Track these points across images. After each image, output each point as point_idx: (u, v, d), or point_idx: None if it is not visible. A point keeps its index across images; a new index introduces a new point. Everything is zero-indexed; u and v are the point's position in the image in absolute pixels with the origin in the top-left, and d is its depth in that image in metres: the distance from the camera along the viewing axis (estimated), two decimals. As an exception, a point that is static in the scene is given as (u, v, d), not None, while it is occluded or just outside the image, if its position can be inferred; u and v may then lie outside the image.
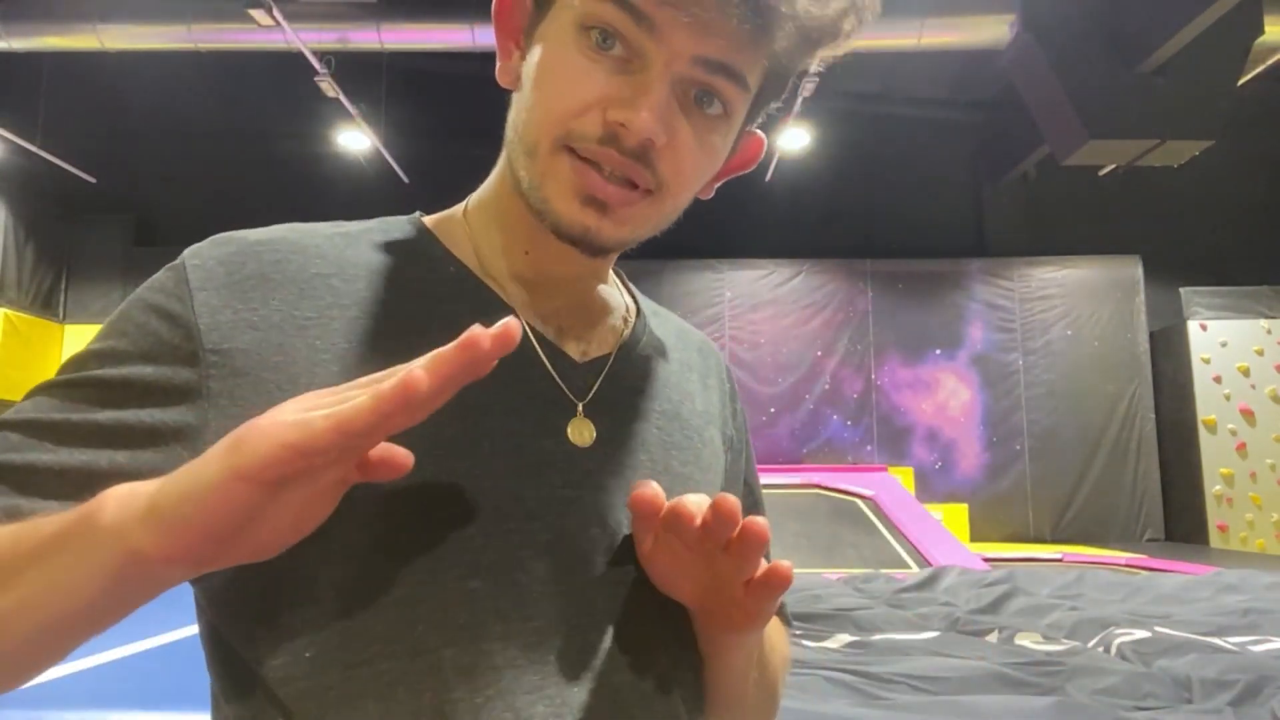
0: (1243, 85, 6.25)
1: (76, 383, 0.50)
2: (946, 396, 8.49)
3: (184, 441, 0.48)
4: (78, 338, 8.36)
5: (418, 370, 0.36)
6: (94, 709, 2.57)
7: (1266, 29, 5.97)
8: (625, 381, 0.60)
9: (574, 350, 0.59)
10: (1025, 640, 2.65)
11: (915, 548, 4.97)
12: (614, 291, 0.66)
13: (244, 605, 0.49)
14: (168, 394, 0.49)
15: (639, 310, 0.67)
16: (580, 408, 0.56)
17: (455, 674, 0.48)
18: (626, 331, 0.64)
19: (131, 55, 6.80)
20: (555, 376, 0.57)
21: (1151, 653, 2.38)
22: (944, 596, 3.48)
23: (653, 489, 0.51)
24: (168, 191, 8.82)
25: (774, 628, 0.69)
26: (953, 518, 7.71)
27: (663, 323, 0.69)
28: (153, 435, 0.48)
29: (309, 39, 6.36)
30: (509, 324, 0.38)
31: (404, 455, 0.42)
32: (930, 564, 4.54)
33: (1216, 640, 2.49)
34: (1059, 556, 6.18)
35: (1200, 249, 8.62)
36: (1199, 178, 7.70)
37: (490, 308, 0.57)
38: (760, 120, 0.61)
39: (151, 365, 0.50)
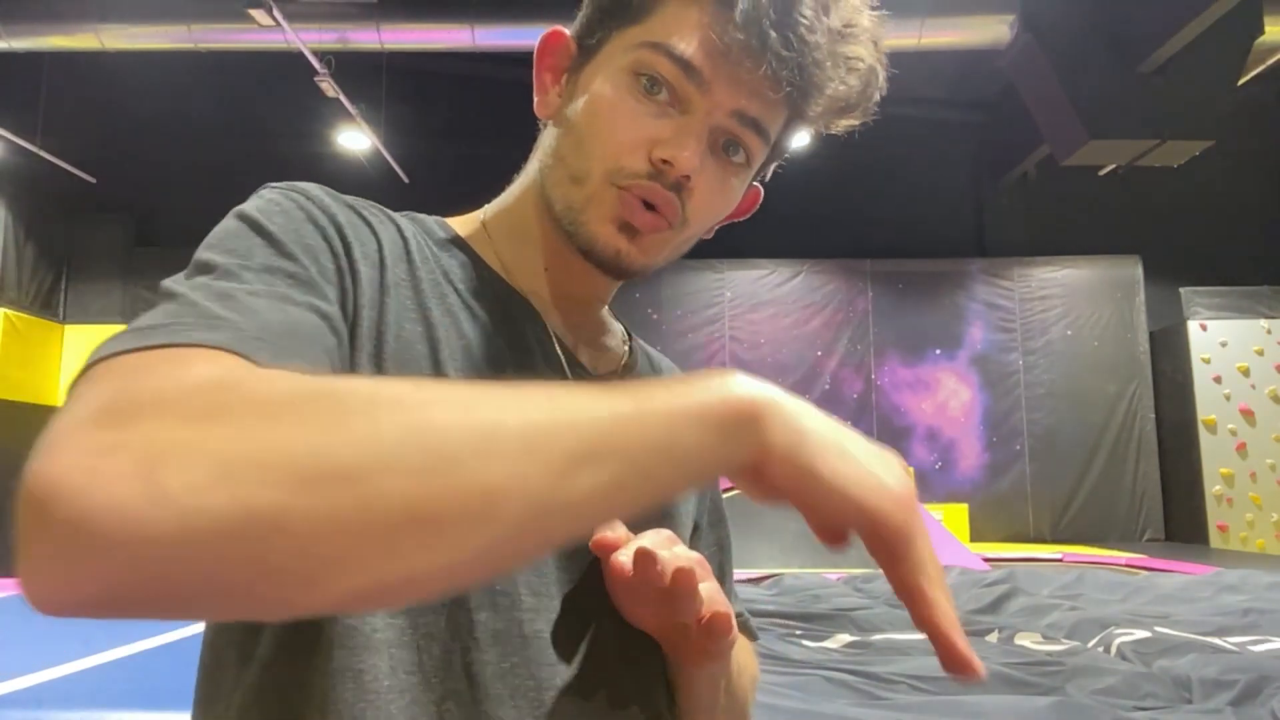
0: (1243, 85, 6.25)
1: (243, 268, 0.45)
2: (946, 396, 8.48)
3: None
4: (78, 338, 8.34)
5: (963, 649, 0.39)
6: (94, 709, 2.57)
7: (1266, 29, 5.96)
8: None
9: (587, 364, 0.64)
10: (1025, 640, 2.65)
11: (915, 548, 4.96)
12: (610, 318, 0.71)
13: None
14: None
15: (630, 336, 0.72)
16: None
17: (487, 637, 0.51)
18: (626, 354, 0.69)
19: (131, 55, 6.80)
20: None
21: (1151, 653, 2.38)
22: (944, 596, 3.48)
23: (614, 532, 0.53)
24: (168, 191, 8.80)
25: (743, 648, 0.71)
26: (953, 518, 7.70)
27: (643, 349, 0.74)
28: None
29: (309, 39, 6.35)
30: (981, 669, 0.39)
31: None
32: (930, 564, 4.53)
33: (1216, 640, 2.49)
34: (1059, 556, 6.17)
35: (1200, 249, 8.60)
36: (1199, 178, 7.69)
37: (522, 313, 0.61)
38: (766, 175, 0.67)
39: (313, 262, 0.49)
